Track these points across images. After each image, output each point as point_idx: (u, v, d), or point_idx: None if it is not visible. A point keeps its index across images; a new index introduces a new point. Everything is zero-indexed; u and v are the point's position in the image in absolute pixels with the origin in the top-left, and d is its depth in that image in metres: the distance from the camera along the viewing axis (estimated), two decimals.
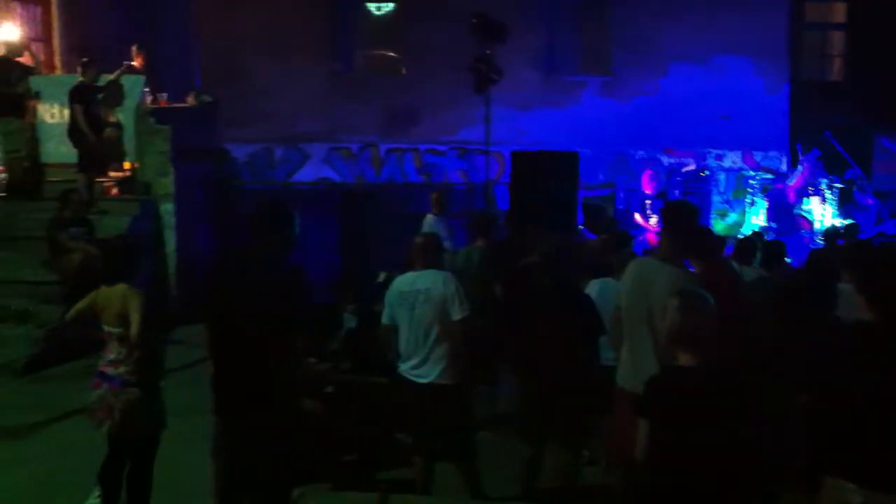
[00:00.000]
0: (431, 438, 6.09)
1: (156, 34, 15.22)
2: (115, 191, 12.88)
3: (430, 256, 6.14)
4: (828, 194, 15.99)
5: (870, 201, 16.26)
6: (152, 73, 13.61)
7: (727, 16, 16.85)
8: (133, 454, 5.45)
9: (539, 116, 17.35)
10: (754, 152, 17.74)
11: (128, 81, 12.76)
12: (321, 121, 17.51)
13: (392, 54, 18.48)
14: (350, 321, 8.13)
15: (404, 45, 18.09)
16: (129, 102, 12.78)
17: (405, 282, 6.10)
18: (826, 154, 16.41)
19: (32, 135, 12.34)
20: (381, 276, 9.10)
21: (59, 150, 12.36)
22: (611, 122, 17.44)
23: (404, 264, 6.60)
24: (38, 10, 14.68)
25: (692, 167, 17.56)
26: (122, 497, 5.51)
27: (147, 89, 13.33)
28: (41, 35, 14.73)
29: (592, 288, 7.00)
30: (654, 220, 15.81)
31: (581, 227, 12.85)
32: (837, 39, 19.65)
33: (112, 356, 5.42)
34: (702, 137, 17.51)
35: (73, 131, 11.68)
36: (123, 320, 5.35)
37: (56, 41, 14.84)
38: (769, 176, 17.10)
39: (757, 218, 16.43)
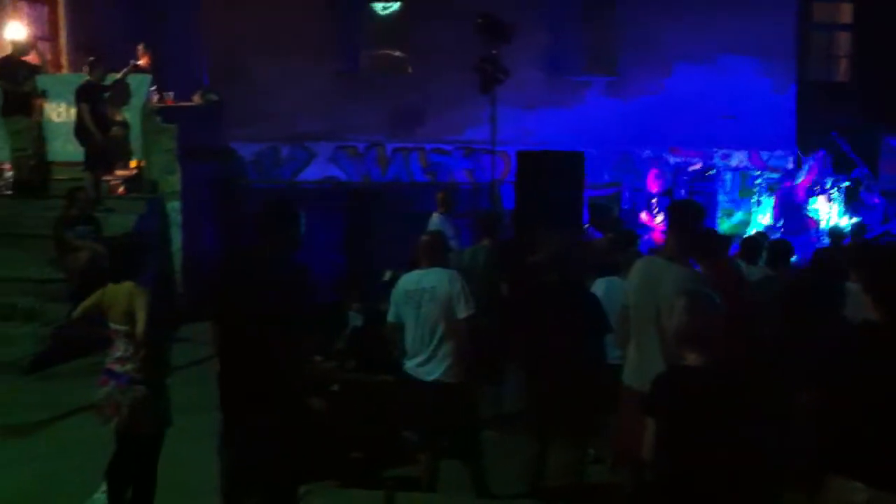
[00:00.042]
0: (437, 436, 6.10)
1: (162, 33, 15.24)
2: (121, 189, 12.91)
3: (436, 255, 6.15)
4: (834, 193, 15.97)
5: (876, 200, 16.22)
6: (158, 72, 13.63)
7: (734, 16, 16.80)
8: (138, 451, 5.46)
9: (545, 116, 17.33)
10: (761, 152, 17.70)
11: (134, 80, 12.79)
12: (327, 120, 17.51)
13: (398, 54, 18.46)
14: (356, 320, 8.13)
15: (410, 45, 18.08)
16: (136, 101, 12.82)
17: (411, 280, 6.11)
18: (833, 154, 16.39)
19: (39, 133, 12.38)
20: (387, 275, 9.09)
21: (65, 149, 12.40)
22: (616, 121, 17.41)
23: (410, 263, 6.60)
24: (45, 9, 14.72)
25: (698, 166, 17.52)
26: (128, 494, 5.53)
27: (153, 88, 13.36)
28: (48, 34, 14.77)
29: (598, 287, 7.01)
30: (659, 218, 15.79)
31: (587, 226, 12.85)
32: (844, 40, 19.59)
33: (119, 354, 5.44)
34: (708, 137, 17.47)
35: (80, 130, 11.71)
36: (130, 318, 5.37)
37: (63, 40, 14.89)
38: (776, 175, 17.06)
39: (763, 217, 16.40)
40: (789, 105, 17.64)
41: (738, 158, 17.73)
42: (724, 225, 16.72)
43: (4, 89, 11.91)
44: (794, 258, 8.53)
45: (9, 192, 12.49)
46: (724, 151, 17.68)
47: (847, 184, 16.13)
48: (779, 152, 17.65)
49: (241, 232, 11.29)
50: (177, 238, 12.45)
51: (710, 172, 17.42)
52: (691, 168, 17.51)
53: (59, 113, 12.75)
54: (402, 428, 6.47)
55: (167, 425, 5.52)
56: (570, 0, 17.72)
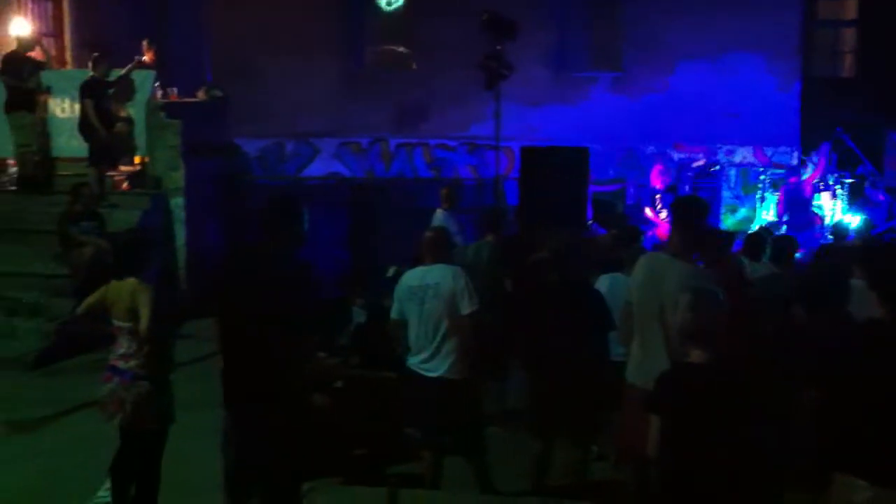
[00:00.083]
0: (440, 433, 6.08)
1: (166, 29, 15.27)
2: (125, 185, 12.91)
3: (440, 251, 6.14)
4: (838, 189, 15.94)
5: (881, 197, 16.19)
6: (163, 68, 13.62)
7: (738, 13, 16.75)
8: (142, 448, 5.47)
9: (549, 112, 17.30)
10: (765, 148, 17.66)
11: (138, 76, 12.79)
12: (331, 116, 17.50)
13: (402, 50, 18.44)
14: (359, 316, 8.12)
15: (414, 41, 18.06)
16: (140, 97, 12.81)
17: (414, 276, 6.10)
18: (837, 150, 16.36)
19: (43, 129, 12.41)
20: (391, 271, 9.08)
21: (69, 145, 12.41)
22: (621, 118, 17.37)
23: (414, 259, 6.59)
24: (50, 6, 14.73)
25: (702, 163, 17.50)
26: (132, 491, 5.54)
27: (157, 84, 13.35)
28: (52, 30, 14.78)
29: (602, 283, 7.00)
30: (663, 215, 15.77)
31: (591, 222, 12.83)
32: (849, 36, 19.55)
33: (122, 350, 5.44)
34: (712, 133, 17.44)
35: (84, 126, 11.72)
36: (133, 314, 5.37)
37: (67, 36, 14.89)
38: (780, 171, 17.02)
39: (767, 213, 16.38)
40: (793, 102, 17.59)
41: (743, 154, 17.68)
42: (728, 221, 16.72)
43: (9, 85, 11.94)
44: (798, 255, 8.52)
45: (13, 188, 12.52)
46: (729, 147, 17.65)
47: (852, 180, 16.10)
48: (783, 148, 17.60)
49: (244, 228, 11.32)
50: (180, 234, 12.45)
51: (714, 168, 17.40)
52: (695, 164, 17.50)
53: (64, 109, 12.76)
54: (405, 424, 6.46)
55: (171, 422, 5.53)
56: None
